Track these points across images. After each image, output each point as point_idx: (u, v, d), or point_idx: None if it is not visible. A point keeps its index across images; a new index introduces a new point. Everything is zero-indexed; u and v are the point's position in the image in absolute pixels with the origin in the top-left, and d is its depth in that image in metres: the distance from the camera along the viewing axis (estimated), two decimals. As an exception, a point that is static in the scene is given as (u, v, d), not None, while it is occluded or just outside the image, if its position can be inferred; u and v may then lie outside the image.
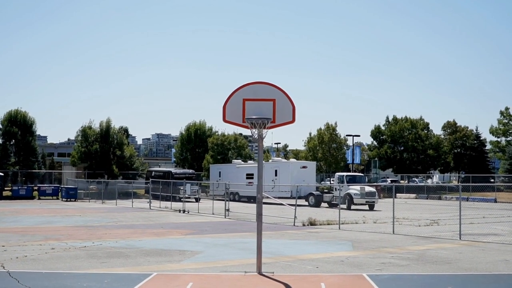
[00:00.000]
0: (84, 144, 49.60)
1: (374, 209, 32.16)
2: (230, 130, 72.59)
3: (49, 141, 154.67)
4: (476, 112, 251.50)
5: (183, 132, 59.17)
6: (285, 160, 44.83)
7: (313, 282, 9.69)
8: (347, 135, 56.21)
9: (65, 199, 41.86)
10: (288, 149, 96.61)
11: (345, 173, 37.37)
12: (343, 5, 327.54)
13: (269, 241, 15.50)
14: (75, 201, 41.18)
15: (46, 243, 14.77)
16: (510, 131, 60.49)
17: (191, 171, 46.99)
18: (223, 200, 30.37)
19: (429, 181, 66.76)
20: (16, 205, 35.15)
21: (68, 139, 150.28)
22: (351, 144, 57.53)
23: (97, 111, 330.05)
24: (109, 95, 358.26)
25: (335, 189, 33.92)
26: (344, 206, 31.32)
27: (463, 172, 64.38)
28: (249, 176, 40.50)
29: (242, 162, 45.80)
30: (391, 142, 63.02)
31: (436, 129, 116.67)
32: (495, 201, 43.76)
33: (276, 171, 38.98)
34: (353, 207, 32.24)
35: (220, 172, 45.55)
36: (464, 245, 15.39)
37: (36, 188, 44.99)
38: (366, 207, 32.53)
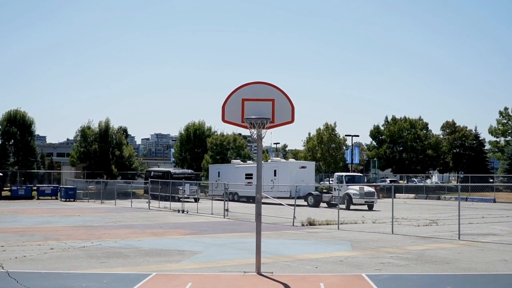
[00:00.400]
0: (83, 144, 49.62)
1: (373, 209, 32.18)
2: (229, 130, 72.55)
3: (48, 141, 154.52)
4: (475, 112, 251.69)
5: (182, 132, 59.16)
6: (284, 160, 44.84)
7: (312, 282, 9.70)
8: (346, 135, 56.27)
9: (64, 199, 41.85)
10: (287, 149, 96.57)
11: (344, 173, 37.40)
12: (343, 5, 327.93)
13: (268, 241, 15.51)
14: (74, 201, 41.17)
15: (45, 243, 14.76)
16: (509, 131, 60.59)
17: (190, 171, 46.97)
18: (222, 200, 30.38)
19: (428, 181, 66.77)
20: (15, 205, 35.13)
21: (67, 139, 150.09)
22: (350, 144, 57.56)
23: (97, 111, 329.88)
24: (109, 95, 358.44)
25: (334, 189, 33.93)
26: (343, 206, 31.32)
27: (462, 172, 64.41)
28: (248, 176, 40.50)
29: (241, 162, 45.80)
30: (390, 142, 63.06)
31: (435, 129, 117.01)
32: (494, 201, 43.78)
33: (275, 171, 38.98)
34: (352, 207, 32.25)
35: (219, 172, 45.56)
36: (463, 245, 15.40)
37: (35, 188, 44.98)
38: (365, 207, 32.55)
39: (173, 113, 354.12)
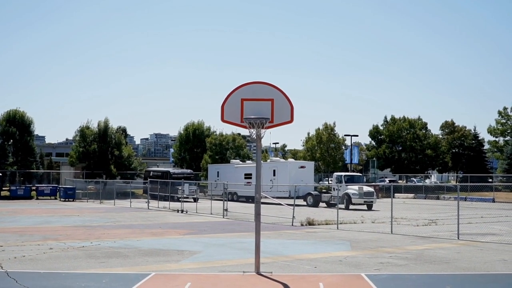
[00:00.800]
0: (82, 144, 49.61)
1: (372, 209, 32.17)
2: (228, 130, 72.42)
3: (47, 141, 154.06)
4: (475, 112, 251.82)
5: (182, 132, 59.14)
6: (283, 160, 44.84)
7: (312, 282, 9.70)
8: (345, 135, 56.29)
9: (63, 199, 41.81)
10: (286, 149, 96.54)
11: (343, 173, 37.39)
12: (343, 5, 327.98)
13: (268, 241, 15.50)
14: (73, 201, 41.13)
15: (44, 243, 14.76)
16: (508, 131, 60.57)
17: (189, 171, 46.95)
18: (221, 200, 30.35)
19: (427, 181, 66.77)
20: (14, 205, 35.11)
21: (66, 139, 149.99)
22: (349, 144, 57.58)
23: (96, 111, 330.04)
24: (108, 95, 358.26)
25: (333, 189, 33.92)
26: (342, 206, 31.32)
27: (461, 172, 64.40)
28: (247, 176, 40.49)
29: (240, 162, 45.78)
30: (389, 142, 63.06)
31: (434, 129, 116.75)
32: (493, 201, 43.80)
33: (274, 171, 38.97)
34: (351, 207, 32.25)
35: (218, 172, 45.53)
36: (462, 245, 15.41)
37: (34, 188, 44.94)
38: (365, 207, 32.54)
39: (172, 113, 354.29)
